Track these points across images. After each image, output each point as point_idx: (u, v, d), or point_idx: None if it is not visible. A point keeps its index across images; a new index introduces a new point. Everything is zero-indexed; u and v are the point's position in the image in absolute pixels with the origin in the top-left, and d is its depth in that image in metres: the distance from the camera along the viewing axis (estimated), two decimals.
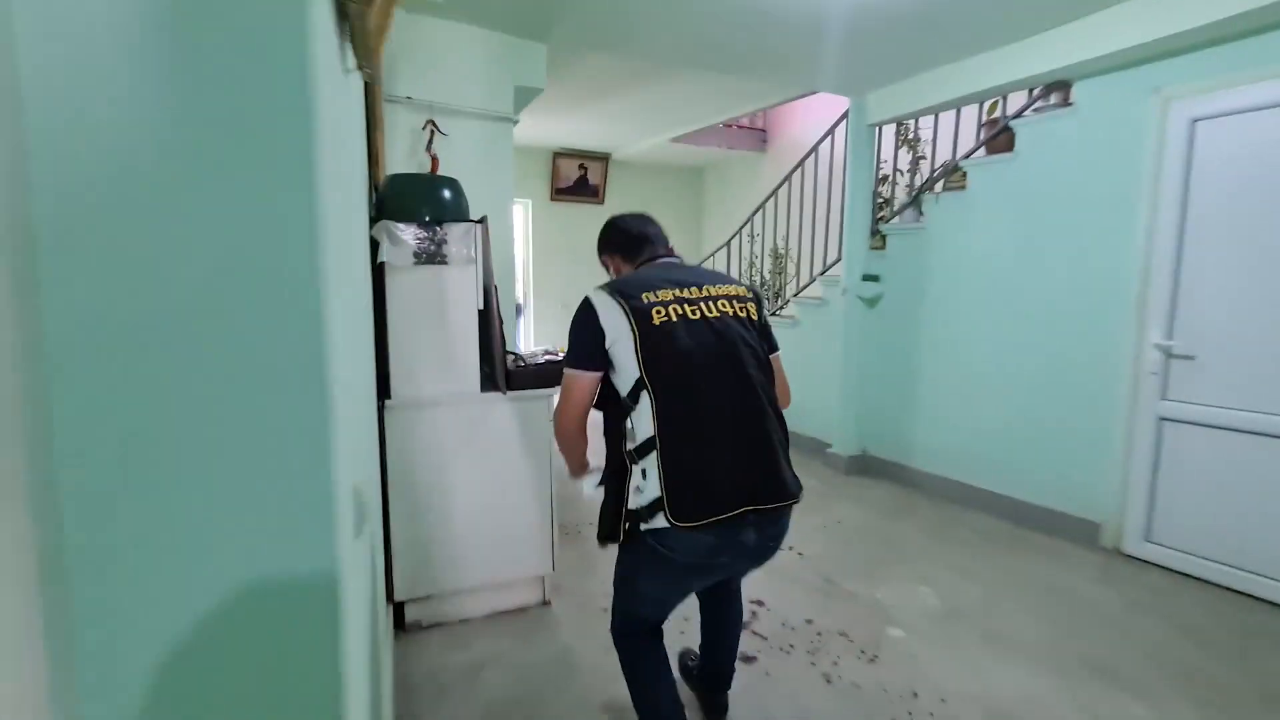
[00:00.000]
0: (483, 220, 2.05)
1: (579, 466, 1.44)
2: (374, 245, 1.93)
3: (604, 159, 6.33)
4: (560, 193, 6.29)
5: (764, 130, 6.08)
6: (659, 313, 1.17)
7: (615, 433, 1.27)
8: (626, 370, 1.18)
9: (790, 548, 2.82)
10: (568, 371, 1.26)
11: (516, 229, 6.35)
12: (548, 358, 2.37)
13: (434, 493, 2.11)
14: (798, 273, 4.55)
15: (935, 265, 3.48)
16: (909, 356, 3.63)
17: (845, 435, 3.90)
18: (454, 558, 2.15)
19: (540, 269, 6.37)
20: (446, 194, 2.09)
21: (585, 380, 1.24)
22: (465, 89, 2.77)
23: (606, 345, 1.20)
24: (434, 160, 2.73)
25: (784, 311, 4.67)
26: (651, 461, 1.15)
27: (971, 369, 3.31)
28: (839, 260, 4.00)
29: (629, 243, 1.44)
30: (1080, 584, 2.50)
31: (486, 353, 2.20)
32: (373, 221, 1.97)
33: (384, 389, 2.04)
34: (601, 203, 6.50)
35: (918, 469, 3.62)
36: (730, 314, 1.23)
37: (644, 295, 1.19)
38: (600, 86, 4.11)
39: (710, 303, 1.23)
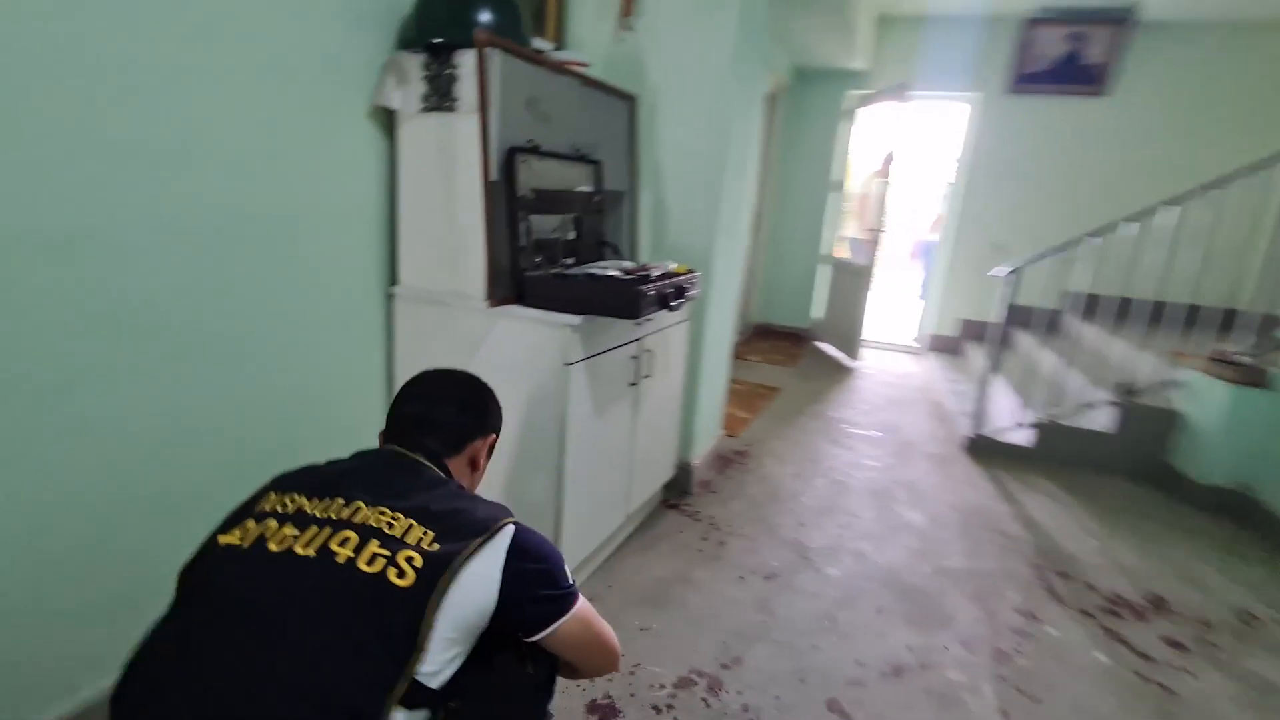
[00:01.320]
0: (479, 43, 1.35)
1: None
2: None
3: (1117, 20, 3.97)
4: (1027, 80, 4.30)
5: None
6: (239, 531, 0.76)
7: None
8: None
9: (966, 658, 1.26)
10: None
11: (957, 134, 4.75)
12: (615, 275, 1.53)
13: None
14: None
15: None
16: None
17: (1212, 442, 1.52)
18: None
19: (973, 193, 4.63)
20: (482, 11, 1.46)
21: None
22: None
23: None
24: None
25: None
26: None
27: None
28: None
29: (390, 410, 0.98)
30: None
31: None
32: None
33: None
34: (1098, 93, 4.18)
35: None
36: (344, 559, 0.71)
37: (264, 498, 0.80)
38: None
39: (332, 530, 0.74)
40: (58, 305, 1.03)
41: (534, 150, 1.53)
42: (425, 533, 0.75)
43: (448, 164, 1.50)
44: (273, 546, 0.72)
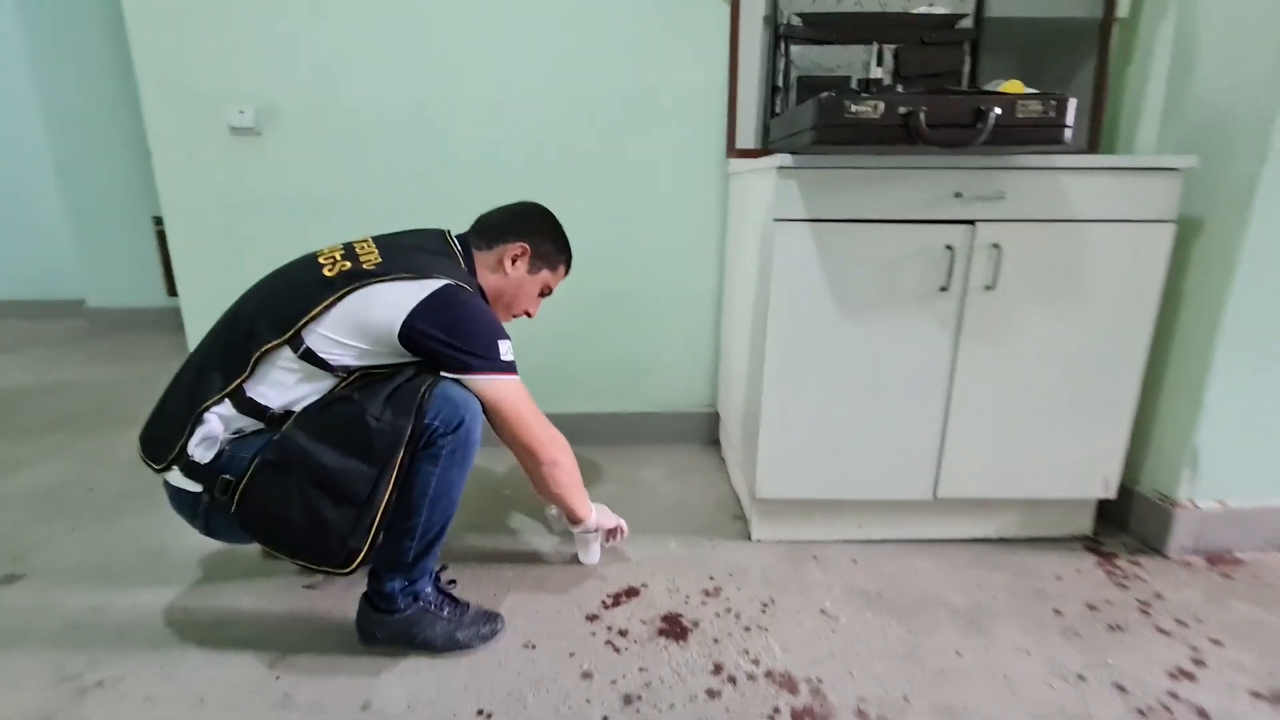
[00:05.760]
0: None
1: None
2: None
3: None
4: None
5: None
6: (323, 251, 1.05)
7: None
8: None
9: None
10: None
11: None
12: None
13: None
14: None
15: None
16: None
17: None
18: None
19: None
20: None
21: None
22: None
23: None
24: None
25: None
26: None
27: None
28: None
29: None
30: None
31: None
32: None
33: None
34: None
35: None
36: (326, 268, 0.96)
37: (360, 241, 1.06)
38: None
39: (343, 255, 0.98)
40: (484, 153, 1.63)
41: None
42: (376, 258, 0.95)
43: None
44: (321, 261, 0.98)
